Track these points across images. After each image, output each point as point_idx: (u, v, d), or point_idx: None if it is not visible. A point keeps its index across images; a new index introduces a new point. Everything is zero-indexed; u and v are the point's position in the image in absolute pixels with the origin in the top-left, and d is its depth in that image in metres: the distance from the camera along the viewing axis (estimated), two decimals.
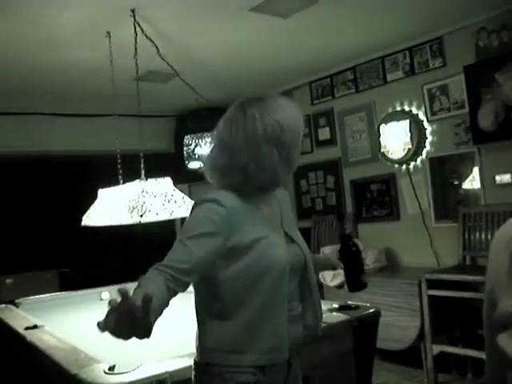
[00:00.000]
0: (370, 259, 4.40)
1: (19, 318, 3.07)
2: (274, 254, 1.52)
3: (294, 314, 1.58)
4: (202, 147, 4.86)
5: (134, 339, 1.18)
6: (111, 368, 1.84)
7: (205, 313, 1.56)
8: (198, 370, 1.58)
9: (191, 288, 1.66)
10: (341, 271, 1.81)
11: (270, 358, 1.52)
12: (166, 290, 1.34)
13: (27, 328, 2.67)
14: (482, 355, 2.04)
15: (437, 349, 3.78)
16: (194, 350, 1.61)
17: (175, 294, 1.38)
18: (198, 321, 1.60)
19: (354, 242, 1.80)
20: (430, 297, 3.77)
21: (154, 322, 1.26)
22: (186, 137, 5.07)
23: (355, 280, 1.77)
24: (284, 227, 1.63)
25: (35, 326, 2.69)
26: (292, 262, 1.56)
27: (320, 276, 4.49)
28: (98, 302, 3.45)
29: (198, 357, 1.58)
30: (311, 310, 1.65)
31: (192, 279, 1.44)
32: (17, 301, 3.62)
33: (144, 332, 1.19)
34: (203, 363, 1.55)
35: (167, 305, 1.36)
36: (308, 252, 1.68)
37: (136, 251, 6.96)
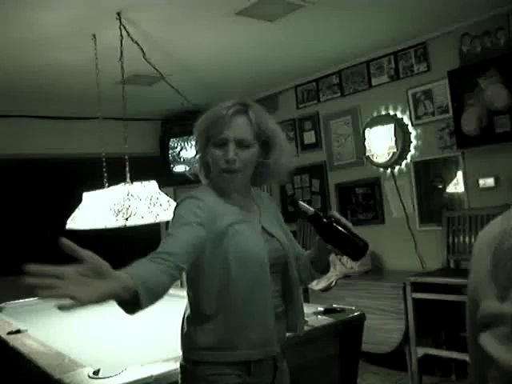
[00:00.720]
0: (354, 263, 4.41)
1: (2, 322, 3.04)
2: (249, 246, 1.55)
3: (276, 312, 1.59)
4: (188, 150, 4.86)
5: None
6: (96, 372, 1.83)
7: (192, 311, 1.58)
8: (183, 373, 1.58)
9: (175, 292, 1.66)
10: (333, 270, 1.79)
11: (260, 352, 1.53)
12: (162, 274, 1.32)
13: (10, 333, 2.64)
14: (466, 357, 2.06)
15: (421, 351, 3.80)
16: (179, 352, 1.60)
17: (173, 279, 1.36)
18: (184, 320, 1.60)
19: (323, 215, 1.58)
20: (415, 300, 3.79)
21: (149, 303, 1.24)
22: (171, 140, 5.07)
23: (353, 247, 1.55)
24: (262, 223, 1.66)
25: (18, 331, 2.66)
26: (271, 256, 1.59)
27: None
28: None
29: (183, 359, 1.58)
30: (293, 310, 1.66)
31: (186, 265, 1.42)
32: None
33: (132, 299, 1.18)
34: (189, 366, 1.55)
35: (164, 291, 1.32)
36: (289, 248, 1.68)
37: (121, 255, 6.90)
